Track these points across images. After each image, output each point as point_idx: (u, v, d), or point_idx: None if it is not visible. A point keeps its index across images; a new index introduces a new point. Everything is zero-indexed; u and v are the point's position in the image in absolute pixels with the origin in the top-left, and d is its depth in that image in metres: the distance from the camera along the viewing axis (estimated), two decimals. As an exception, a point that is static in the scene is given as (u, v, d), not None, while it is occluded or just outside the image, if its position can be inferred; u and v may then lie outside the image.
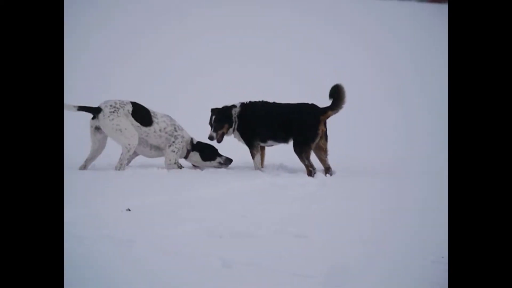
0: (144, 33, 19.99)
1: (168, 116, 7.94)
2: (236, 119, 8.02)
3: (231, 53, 18.45)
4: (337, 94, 7.78)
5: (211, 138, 7.93)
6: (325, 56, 18.16)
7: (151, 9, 23.26)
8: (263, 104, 8.06)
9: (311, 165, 7.70)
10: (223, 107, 8.08)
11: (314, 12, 23.57)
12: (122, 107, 7.51)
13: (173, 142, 7.80)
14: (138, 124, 7.63)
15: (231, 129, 8.05)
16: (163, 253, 4.37)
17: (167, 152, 7.79)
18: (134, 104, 7.68)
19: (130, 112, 7.59)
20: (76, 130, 9.33)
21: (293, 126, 7.81)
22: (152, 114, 7.77)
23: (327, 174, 7.72)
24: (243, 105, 8.08)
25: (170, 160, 7.77)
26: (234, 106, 8.08)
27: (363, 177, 7.59)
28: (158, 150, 7.89)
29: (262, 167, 8.06)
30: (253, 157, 7.97)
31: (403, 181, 7.49)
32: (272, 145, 8.12)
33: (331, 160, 7.84)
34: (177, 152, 7.82)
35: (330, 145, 7.85)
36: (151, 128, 7.72)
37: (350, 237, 4.90)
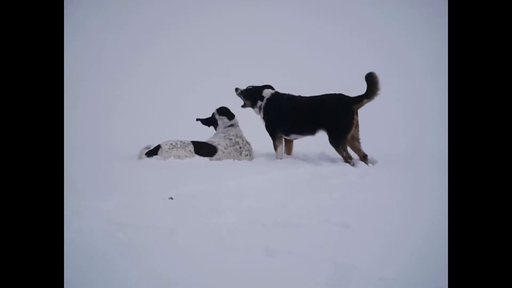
0: (145, 33, 20.05)
1: (217, 133, 8.27)
2: (263, 104, 8.13)
3: (233, 54, 18.42)
4: (371, 81, 7.66)
5: (236, 89, 8.50)
6: (329, 53, 18.01)
7: (153, 9, 23.35)
8: (289, 98, 8.07)
9: (349, 156, 7.66)
10: (262, 86, 8.32)
11: (314, 7, 23.42)
12: (183, 147, 7.76)
13: (240, 148, 8.06)
14: (207, 159, 7.84)
15: (256, 108, 8.30)
16: (206, 242, 4.39)
17: (242, 159, 8.10)
18: (194, 143, 7.90)
19: (193, 151, 7.82)
20: (76, 131, 9.43)
21: (325, 118, 7.73)
22: (210, 142, 8.04)
23: (369, 164, 7.65)
24: (273, 94, 8.16)
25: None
26: (267, 87, 8.25)
27: (405, 167, 7.49)
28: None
29: (290, 154, 8.14)
30: (275, 148, 8.05)
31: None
32: (295, 139, 8.14)
33: (373, 149, 7.79)
34: (249, 153, 8.14)
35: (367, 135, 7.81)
36: (219, 152, 7.93)
37: (391, 227, 4.87)
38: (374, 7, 23.56)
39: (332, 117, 7.70)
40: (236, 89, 8.41)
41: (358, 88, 7.91)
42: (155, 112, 11.70)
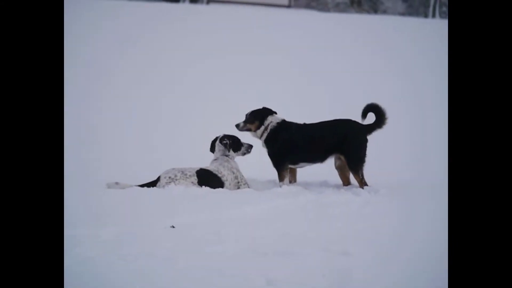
0: (145, 33, 20.18)
1: (220, 163, 7.89)
2: (268, 130, 8.00)
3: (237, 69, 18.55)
4: (378, 112, 7.79)
5: (237, 125, 8.03)
6: (329, 76, 18.10)
7: (153, 9, 23.53)
8: (298, 127, 7.98)
9: (365, 182, 7.70)
10: (263, 108, 8.09)
11: (317, 31, 23.69)
12: (184, 179, 7.48)
13: (238, 182, 7.84)
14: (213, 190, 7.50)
15: (259, 131, 8.04)
16: (207, 271, 4.37)
17: (241, 189, 7.81)
18: (199, 173, 7.59)
19: (196, 182, 7.53)
20: (76, 130, 9.43)
21: (343, 144, 7.75)
22: (218, 174, 7.69)
23: (371, 192, 7.63)
24: (283, 121, 8.05)
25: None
26: (273, 113, 8.08)
27: (407, 196, 7.45)
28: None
29: (295, 181, 8.06)
30: (282, 178, 7.90)
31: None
32: (303, 167, 8.08)
33: (370, 176, 7.80)
34: (247, 186, 7.90)
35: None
36: (225, 187, 7.68)
37: (394, 256, 4.85)
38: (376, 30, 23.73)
39: (352, 143, 7.75)
40: (238, 125, 8.06)
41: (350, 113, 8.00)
42: (155, 137, 11.67)
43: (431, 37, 22.97)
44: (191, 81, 16.15)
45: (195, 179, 7.52)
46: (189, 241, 5.11)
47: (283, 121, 8.04)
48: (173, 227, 5.59)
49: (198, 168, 7.67)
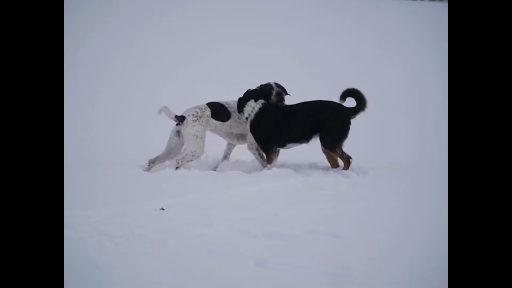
0: (144, 32, 20.05)
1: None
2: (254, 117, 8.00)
3: (232, 46, 18.44)
4: (359, 95, 7.79)
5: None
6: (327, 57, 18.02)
7: (152, 8, 23.38)
8: (282, 108, 7.98)
9: (348, 156, 7.70)
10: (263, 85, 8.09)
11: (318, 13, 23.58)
12: (203, 115, 7.83)
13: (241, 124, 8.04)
14: (220, 122, 7.93)
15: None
16: (196, 252, 4.40)
17: (248, 136, 7.96)
18: (211, 105, 7.95)
19: (210, 115, 7.89)
20: (76, 130, 9.41)
21: (323, 124, 7.74)
22: (227, 106, 8.02)
23: (360, 174, 7.65)
24: (264, 104, 8.03)
25: (251, 144, 7.93)
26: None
27: (395, 178, 7.48)
28: (244, 138, 8.08)
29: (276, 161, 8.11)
30: (271, 161, 7.91)
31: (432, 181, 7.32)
32: (290, 148, 8.08)
33: (359, 158, 7.82)
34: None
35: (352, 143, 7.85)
36: (231, 119, 7.97)
37: (382, 237, 4.89)
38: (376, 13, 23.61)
39: (333, 122, 7.73)
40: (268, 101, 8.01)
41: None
42: (154, 135, 11.64)
43: (425, 18, 22.90)
44: (191, 78, 16.08)
45: (208, 111, 7.89)
46: (178, 223, 5.12)
47: (265, 103, 8.02)
48: (163, 209, 5.61)
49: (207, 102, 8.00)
